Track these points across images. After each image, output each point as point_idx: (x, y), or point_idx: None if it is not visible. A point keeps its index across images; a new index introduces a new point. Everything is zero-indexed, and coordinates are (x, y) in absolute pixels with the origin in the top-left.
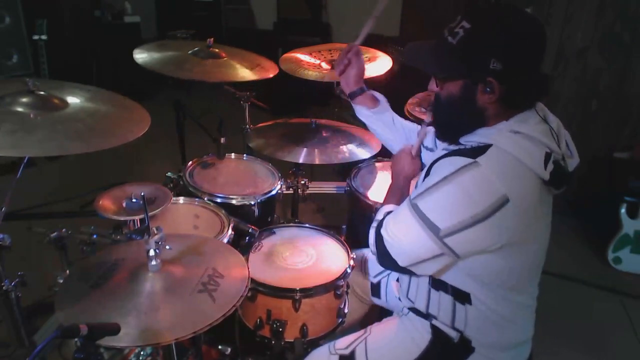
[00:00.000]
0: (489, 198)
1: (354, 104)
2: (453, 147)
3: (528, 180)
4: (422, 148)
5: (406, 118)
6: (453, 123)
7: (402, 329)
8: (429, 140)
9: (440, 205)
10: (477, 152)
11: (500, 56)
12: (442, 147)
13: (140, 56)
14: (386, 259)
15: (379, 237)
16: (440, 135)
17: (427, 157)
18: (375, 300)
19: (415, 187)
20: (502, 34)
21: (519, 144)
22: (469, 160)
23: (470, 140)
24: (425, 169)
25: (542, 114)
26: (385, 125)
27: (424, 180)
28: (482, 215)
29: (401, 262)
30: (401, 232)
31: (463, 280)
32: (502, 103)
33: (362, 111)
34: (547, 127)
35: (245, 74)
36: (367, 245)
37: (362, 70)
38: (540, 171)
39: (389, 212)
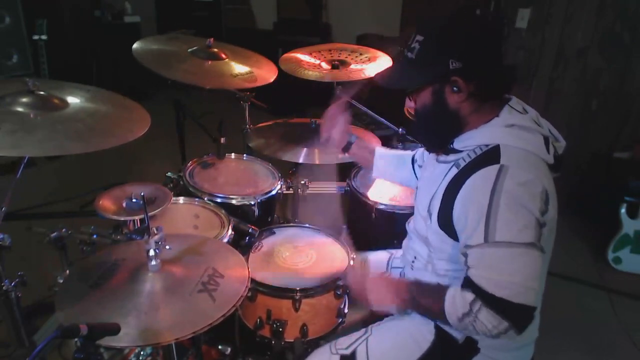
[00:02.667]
0: (537, 194)
1: (353, 156)
2: (450, 159)
3: (543, 167)
4: (415, 166)
5: (406, 118)
6: (434, 131)
7: (404, 329)
8: (418, 156)
9: (511, 224)
10: (492, 156)
11: (457, 55)
12: (430, 160)
13: (139, 47)
14: (522, 316)
15: (504, 307)
16: (428, 146)
17: (418, 172)
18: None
19: (416, 196)
20: (453, 35)
21: (520, 136)
22: (495, 165)
23: (468, 144)
24: (437, 190)
25: (520, 106)
26: (395, 169)
27: (443, 196)
28: (541, 210)
29: (534, 302)
30: (519, 274)
31: None
32: (474, 99)
33: (376, 172)
34: (529, 116)
35: (240, 81)
36: (367, 246)
37: (342, 127)
38: (545, 156)
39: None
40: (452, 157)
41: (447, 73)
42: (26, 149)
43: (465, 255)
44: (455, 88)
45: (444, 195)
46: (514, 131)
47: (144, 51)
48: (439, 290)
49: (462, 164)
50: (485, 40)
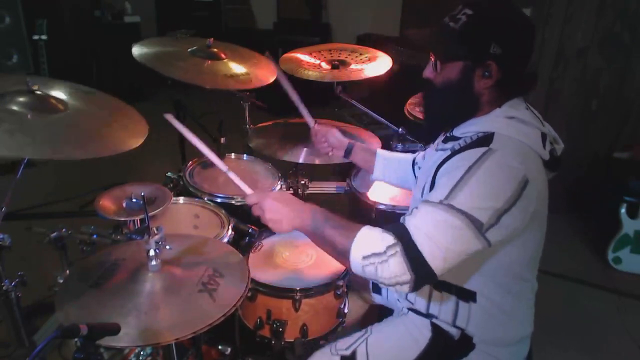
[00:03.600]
0: (514, 182)
1: (355, 161)
2: (448, 146)
3: (535, 160)
4: (415, 169)
5: (406, 118)
6: (447, 109)
7: (402, 328)
8: (419, 159)
9: (474, 197)
10: (484, 141)
11: (500, 41)
12: (430, 152)
13: (139, 51)
14: (425, 278)
15: (418, 263)
16: (432, 124)
17: (418, 172)
18: (376, 298)
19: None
20: (503, 21)
21: (517, 127)
22: (483, 148)
23: (467, 131)
24: (430, 176)
25: (524, 104)
26: (395, 170)
27: (433, 176)
28: (512, 200)
29: (440, 272)
30: (451, 244)
31: (472, 279)
32: (497, 89)
33: (377, 173)
34: (532, 113)
35: (234, 82)
36: None
37: (334, 134)
38: (541, 151)
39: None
40: (449, 144)
41: (485, 55)
42: (26, 150)
43: (416, 207)
44: (486, 72)
45: (433, 175)
46: (512, 122)
47: (144, 54)
48: (350, 227)
49: (457, 148)
50: (527, 38)
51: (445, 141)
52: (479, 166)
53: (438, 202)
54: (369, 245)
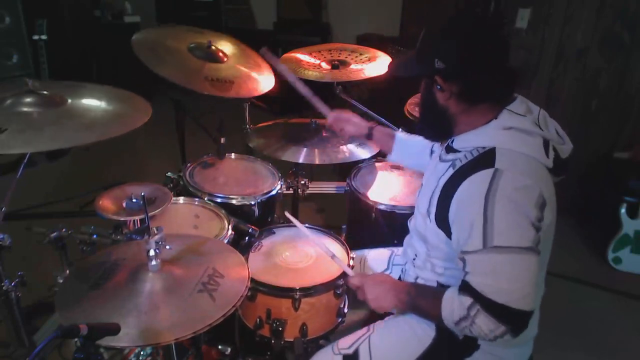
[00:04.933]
0: (533, 200)
1: (373, 144)
2: (449, 158)
3: (542, 171)
4: (432, 156)
5: (406, 118)
6: (427, 121)
7: (406, 326)
8: (436, 147)
9: (510, 229)
10: (487, 159)
11: (443, 56)
12: (435, 159)
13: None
14: (520, 321)
15: (502, 313)
16: (425, 135)
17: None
18: None
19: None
20: (446, 36)
21: (517, 138)
22: (490, 169)
23: (465, 145)
24: (436, 194)
25: (523, 106)
26: (412, 154)
27: (440, 196)
28: (539, 215)
29: (530, 307)
30: (519, 279)
31: None
32: (461, 100)
33: (394, 155)
34: (530, 118)
35: (211, 88)
36: (367, 246)
37: (351, 123)
38: (544, 160)
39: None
40: (451, 156)
41: (432, 71)
42: (36, 144)
43: (463, 260)
44: (438, 87)
45: (440, 195)
46: (511, 134)
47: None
48: (437, 294)
49: (459, 164)
50: (475, 46)
51: (447, 151)
52: (494, 194)
53: (482, 249)
54: (454, 312)
